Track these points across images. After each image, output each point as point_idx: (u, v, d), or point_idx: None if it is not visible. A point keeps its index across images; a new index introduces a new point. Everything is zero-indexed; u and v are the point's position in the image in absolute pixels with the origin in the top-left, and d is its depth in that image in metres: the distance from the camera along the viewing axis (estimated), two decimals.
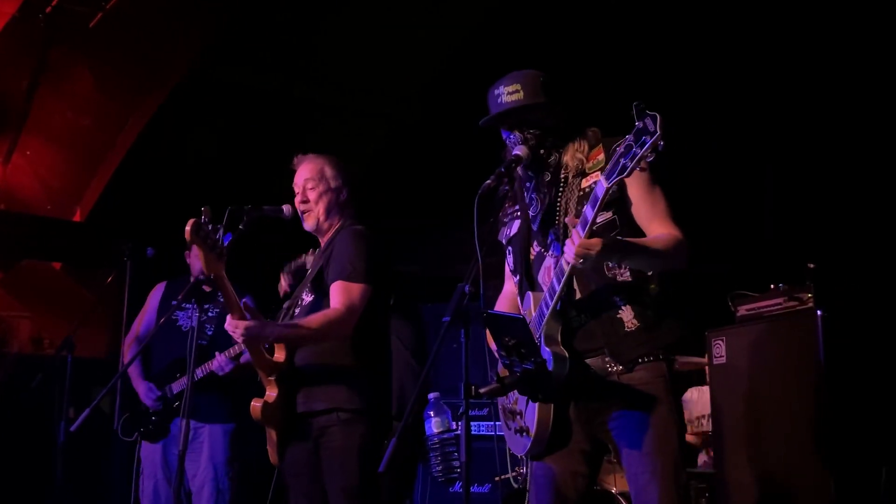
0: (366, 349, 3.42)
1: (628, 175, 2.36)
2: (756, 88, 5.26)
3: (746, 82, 5.27)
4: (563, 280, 2.56)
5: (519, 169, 2.75)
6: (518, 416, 2.76)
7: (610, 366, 2.64)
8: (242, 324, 3.25)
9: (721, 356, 4.06)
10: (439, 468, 3.83)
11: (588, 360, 2.65)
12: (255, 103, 6.80)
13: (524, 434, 2.72)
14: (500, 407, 2.89)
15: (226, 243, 3.26)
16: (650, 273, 2.67)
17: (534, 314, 2.68)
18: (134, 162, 6.73)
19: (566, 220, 2.60)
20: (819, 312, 3.67)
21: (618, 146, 2.39)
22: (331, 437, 3.34)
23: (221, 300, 4.85)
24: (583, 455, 2.72)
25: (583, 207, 2.59)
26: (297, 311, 3.56)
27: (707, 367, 4.22)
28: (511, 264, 2.91)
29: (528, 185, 2.83)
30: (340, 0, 6.27)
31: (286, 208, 3.64)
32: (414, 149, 7.09)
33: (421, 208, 6.97)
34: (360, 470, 3.28)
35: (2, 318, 7.26)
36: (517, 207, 2.88)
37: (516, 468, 4.60)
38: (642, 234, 2.66)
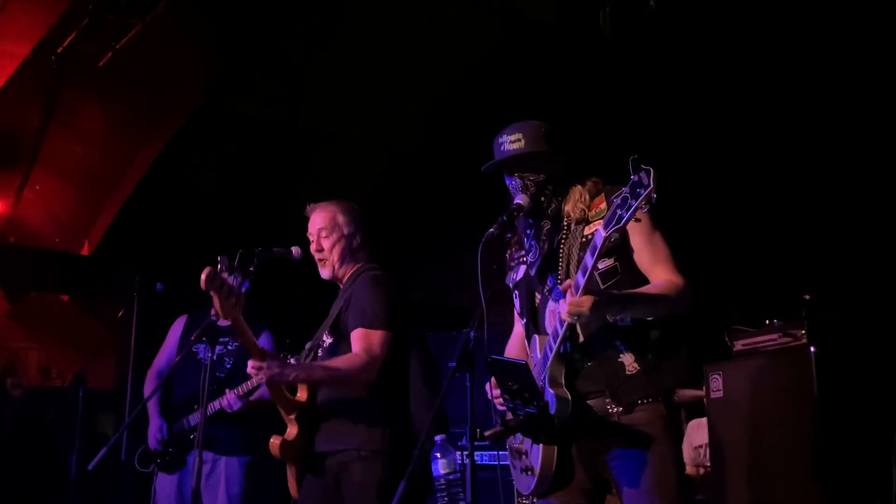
0: (388, 391, 3.48)
1: (623, 226, 2.46)
2: (750, 127, 5.38)
3: (740, 125, 5.39)
4: (564, 326, 2.67)
5: (520, 216, 2.87)
6: (524, 456, 2.86)
7: (610, 407, 2.73)
8: (264, 364, 3.33)
9: (719, 390, 4.15)
10: None
11: (589, 402, 2.75)
12: (260, 134, 6.93)
13: (529, 473, 2.82)
14: (507, 446, 2.99)
15: (243, 290, 3.35)
16: (650, 318, 2.76)
17: (539, 357, 2.79)
18: (142, 196, 6.85)
19: (562, 285, 2.67)
20: (812, 349, 3.78)
21: (615, 197, 2.50)
22: (351, 472, 3.40)
23: None
24: (585, 493, 2.81)
25: (582, 255, 2.70)
26: (319, 352, 3.63)
27: (705, 401, 4.32)
28: (518, 308, 3.01)
29: (528, 231, 2.93)
30: (343, 31, 6.38)
31: (295, 250, 3.70)
32: (416, 176, 7.21)
33: (423, 236, 7.07)
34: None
35: (11, 350, 7.37)
36: (523, 253, 2.99)
37: (519, 499, 4.68)
38: (645, 280, 2.75)
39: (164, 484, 5.00)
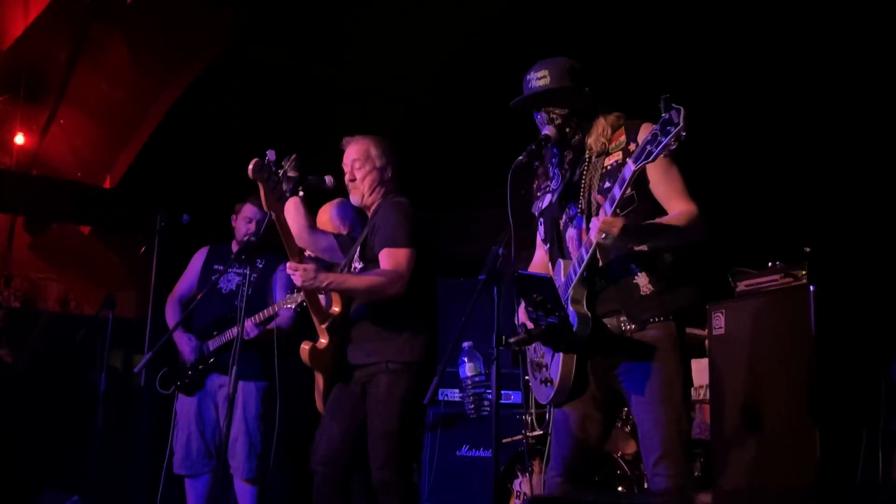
0: (416, 308, 3.70)
1: (653, 160, 2.64)
2: (766, 73, 5.50)
3: (757, 70, 5.51)
4: (589, 251, 2.87)
5: (548, 147, 3.08)
6: (544, 369, 3.09)
7: (624, 325, 2.95)
8: (301, 266, 3.53)
9: (720, 328, 4.35)
10: (471, 406, 4.19)
11: (605, 321, 2.96)
12: (280, 83, 7.07)
13: (548, 384, 3.05)
14: (528, 360, 3.22)
15: (300, 193, 3.45)
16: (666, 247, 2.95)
17: (562, 279, 3.00)
18: (164, 134, 7.01)
19: (594, 195, 2.90)
20: (812, 288, 3.98)
21: (643, 133, 2.67)
22: (378, 383, 3.62)
23: (260, 266, 5.19)
24: (598, 404, 3.03)
25: (604, 184, 2.92)
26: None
27: (707, 339, 4.53)
28: (542, 234, 3.22)
29: (553, 160, 3.13)
30: None
31: (329, 179, 3.89)
32: (431, 131, 7.36)
33: (435, 187, 7.24)
34: (401, 415, 3.57)
35: (32, 280, 7.57)
36: (548, 183, 3.18)
37: (522, 431, 4.92)
38: (659, 208, 2.94)
39: (184, 405, 5.24)
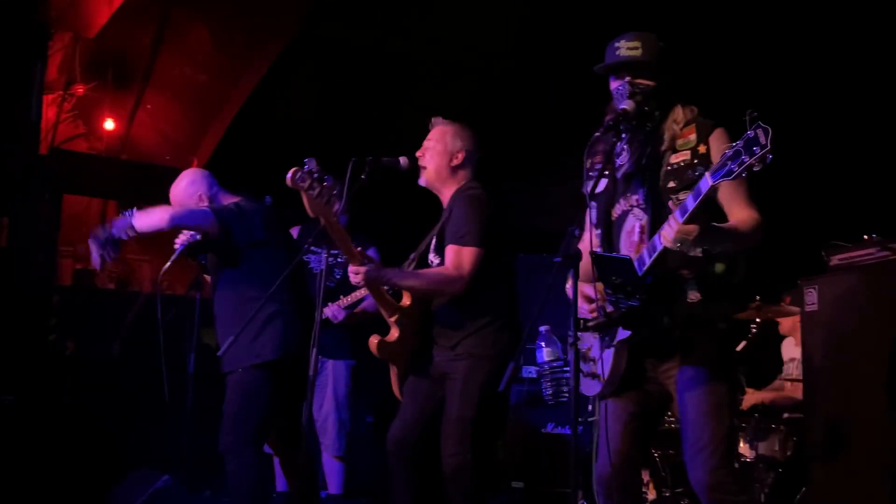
0: (494, 302, 3.67)
1: (734, 178, 2.49)
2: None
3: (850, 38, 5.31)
4: (654, 255, 2.73)
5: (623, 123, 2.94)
6: (591, 363, 3.00)
7: (669, 329, 2.83)
8: (362, 269, 3.55)
9: (813, 303, 4.18)
10: (550, 392, 4.16)
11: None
12: (355, 59, 7.08)
13: (595, 378, 2.97)
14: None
15: (343, 197, 3.45)
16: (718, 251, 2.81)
17: None
18: (247, 116, 7.12)
19: (664, 196, 2.78)
20: None
21: (717, 141, 2.60)
22: (457, 370, 3.61)
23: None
24: (643, 399, 2.96)
25: (668, 183, 2.82)
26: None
27: (800, 314, 4.36)
28: (594, 218, 3.02)
29: (623, 136, 2.98)
30: None
31: (403, 160, 3.81)
32: (507, 102, 7.28)
33: (511, 161, 7.17)
34: (479, 403, 3.55)
35: (126, 261, 7.79)
36: (600, 165, 3.01)
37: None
38: (719, 212, 2.81)
39: None
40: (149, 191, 7.39)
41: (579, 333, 2.89)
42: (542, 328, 4.24)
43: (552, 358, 4.16)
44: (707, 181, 2.55)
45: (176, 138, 7.52)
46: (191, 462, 5.31)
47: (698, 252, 2.72)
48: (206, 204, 4.15)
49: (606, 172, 3.00)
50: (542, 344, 4.15)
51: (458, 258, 3.61)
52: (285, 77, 7.07)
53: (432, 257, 3.81)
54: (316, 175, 3.39)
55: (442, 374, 3.68)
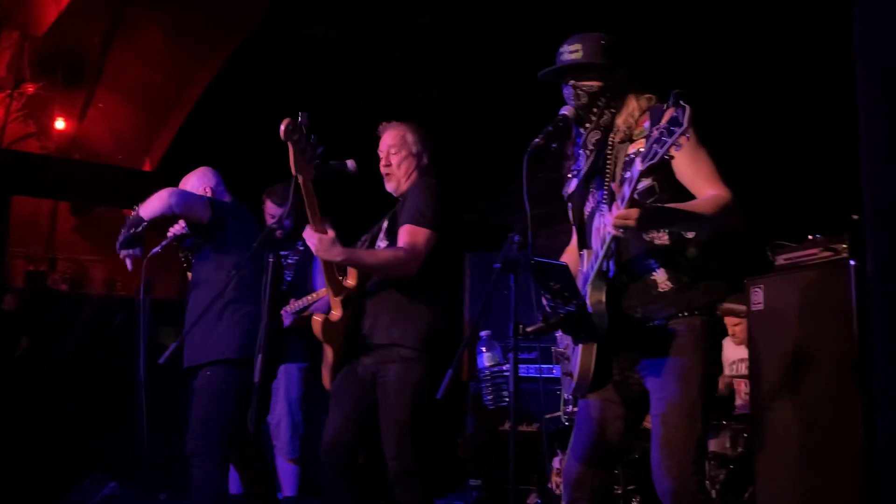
0: (434, 292, 3.62)
1: (658, 162, 2.48)
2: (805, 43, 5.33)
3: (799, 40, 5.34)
4: (603, 245, 2.74)
5: (573, 127, 2.94)
6: (566, 361, 3.00)
7: (643, 321, 2.80)
8: (318, 236, 3.47)
9: (759, 303, 4.22)
10: (490, 397, 4.17)
11: (627, 315, 2.80)
12: (317, 55, 7.03)
13: (570, 377, 2.97)
14: (553, 351, 3.13)
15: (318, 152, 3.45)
16: (689, 236, 2.80)
17: (585, 270, 2.87)
18: (201, 114, 7.04)
19: (614, 185, 2.74)
20: (852, 262, 3.83)
21: (654, 130, 2.50)
22: (388, 372, 3.54)
23: (301, 248, 5.16)
24: (619, 396, 2.91)
25: (626, 173, 2.76)
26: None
27: (746, 314, 4.40)
28: (572, 219, 3.06)
29: (578, 140, 2.98)
30: None
31: (350, 163, 3.75)
32: (472, 100, 7.26)
33: (476, 157, 7.16)
34: (413, 405, 3.50)
35: (78, 262, 7.71)
36: (572, 164, 3.04)
37: (567, 406, 4.87)
38: (688, 197, 2.77)
39: None
40: (100, 191, 7.36)
41: (558, 334, 2.96)
42: (483, 333, 4.24)
43: (492, 363, 4.17)
44: (637, 167, 2.55)
45: (128, 138, 7.43)
46: (146, 465, 5.26)
47: (664, 238, 2.72)
48: (209, 195, 4.25)
49: (574, 173, 3.01)
50: (483, 349, 4.16)
51: (412, 238, 3.54)
52: (241, 74, 6.99)
53: (380, 242, 3.76)
54: (305, 131, 3.38)
55: (373, 374, 3.61)
